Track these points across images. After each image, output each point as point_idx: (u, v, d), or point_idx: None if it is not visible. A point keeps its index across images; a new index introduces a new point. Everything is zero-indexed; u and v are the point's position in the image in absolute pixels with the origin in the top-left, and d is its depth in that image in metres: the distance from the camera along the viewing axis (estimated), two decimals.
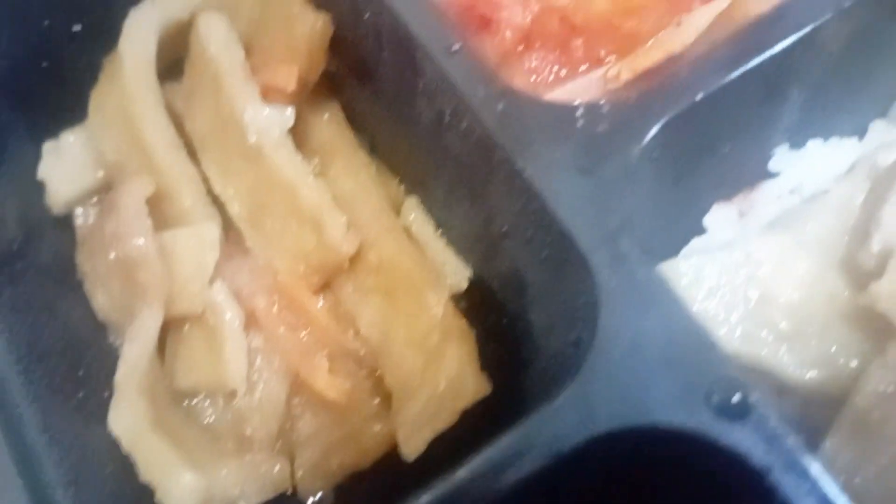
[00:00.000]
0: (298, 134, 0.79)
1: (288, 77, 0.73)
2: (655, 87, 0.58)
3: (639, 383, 0.48)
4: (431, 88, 0.61)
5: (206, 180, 0.79)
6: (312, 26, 0.73)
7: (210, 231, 0.75)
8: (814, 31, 0.58)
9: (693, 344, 0.49)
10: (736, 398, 0.47)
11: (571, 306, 0.58)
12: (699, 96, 0.56)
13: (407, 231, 0.75)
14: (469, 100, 0.58)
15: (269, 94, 0.76)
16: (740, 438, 0.46)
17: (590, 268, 0.55)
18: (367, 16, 0.66)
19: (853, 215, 0.59)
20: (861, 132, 0.73)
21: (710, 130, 0.59)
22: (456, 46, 0.60)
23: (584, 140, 0.55)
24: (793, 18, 0.58)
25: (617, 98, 0.57)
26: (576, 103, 0.58)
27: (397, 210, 0.76)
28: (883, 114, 0.72)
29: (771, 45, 0.57)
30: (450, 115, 0.60)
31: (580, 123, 0.56)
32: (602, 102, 0.57)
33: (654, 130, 0.55)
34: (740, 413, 0.46)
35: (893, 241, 0.54)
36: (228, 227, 0.78)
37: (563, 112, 0.57)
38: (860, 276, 0.57)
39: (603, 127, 0.55)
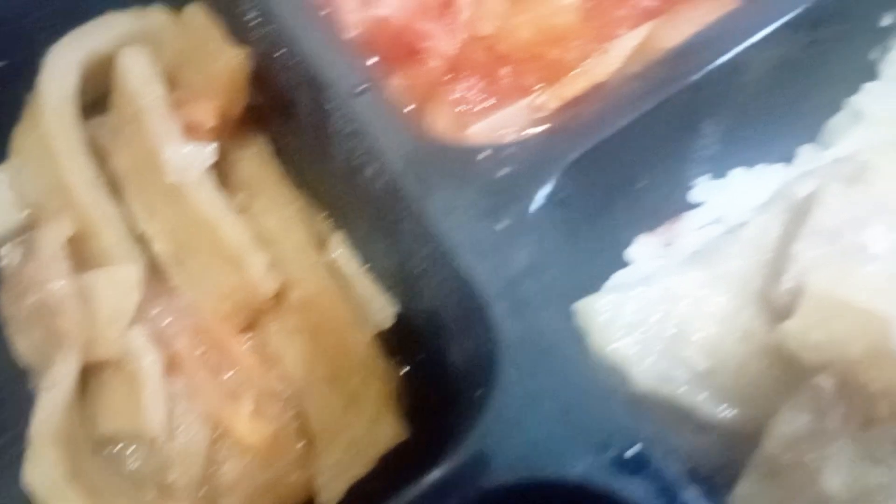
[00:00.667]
0: (223, 169, 0.78)
1: (207, 114, 0.71)
2: (561, 127, 0.56)
3: (536, 435, 0.47)
4: (341, 129, 0.60)
5: (131, 217, 0.78)
6: (230, 62, 0.72)
7: (130, 273, 0.73)
8: (731, 61, 0.57)
9: (592, 393, 0.47)
10: (633, 450, 0.45)
11: (475, 353, 0.57)
12: (604, 135, 0.54)
13: (332, 267, 0.73)
14: (376, 142, 0.57)
15: (190, 131, 0.75)
16: (637, 491, 0.44)
17: (489, 317, 0.54)
18: (280, 53, 0.65)
19: (770, 249, 0.58)
20: (789, 157, 0.72)
21: (622, 166, 0.58)
22: (363, 87, 0.59)
23: (487, 185, 0.54)
24: (708, 50, 0.57)
25: (523, 140, 0.55)
26: (481, 147, 0.57)
27: (323, 245, 0.75)
28: (811, 139, 0.71)
29: (682, 78, 0.56)
30: (360, 156, 0.59)
31: (484, 167, 0.54)
32: (508, 145, 0.56)
33: (558, 173, 0.53)
34: (637, 466, 0.45)
35: (804, 278, 0.53)
36: (156, 265, 0.77)
37: (468, 156, 0.56)
38: (775, 312, 0.55)
39: (506, 171, 0.54)
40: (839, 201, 0.55)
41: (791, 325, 0.51)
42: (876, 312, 0.49)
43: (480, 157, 0.55)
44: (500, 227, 0.53)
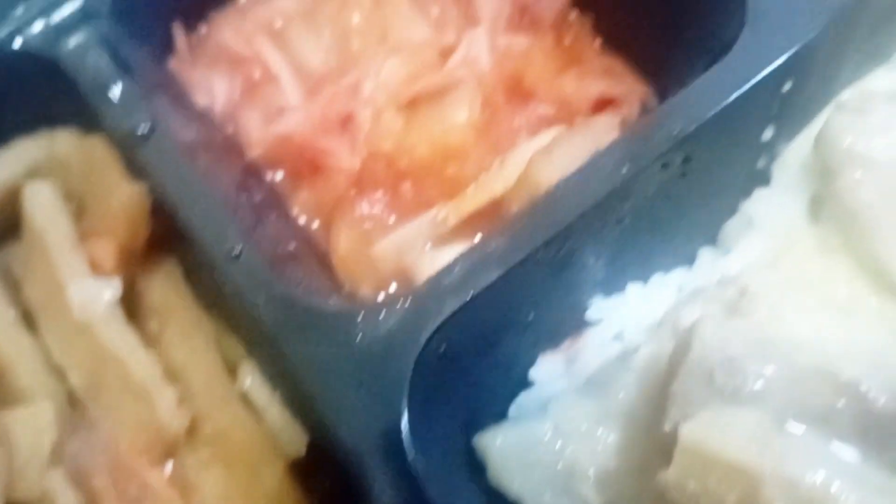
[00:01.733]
0: (133, 297, 0.78)
1: (105, 252, 0.72)
2: (434, 285, 0.56)
3: None
4: (219, 288, 0.60)
5: (46, 348, 0.78)
6: (128, 198, 0.71)
7: (45, 412, 0.73)
8: (607, 197, 0.57)
9: None
10: None
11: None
12: (477, 290, 0.55)
13: (244, 397, 0.74)
14: (251, 304, 0.57)
15: (94, 266, 0.75)
16: None
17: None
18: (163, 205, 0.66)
19: (657, 383, 0.58)
20: (691, 260, 0.73)
21: (507, 308, 0.58)
22: (237, 250, 0.59)
23: (361, 346, 0.54)
24: (581, 192, 0.57)
25: (398, 300, 0.55)
26: (355, 310, 0.57)
27: (234, 374, 0.75)
28: (711, 241, 0.72)
29: (556, 224, 0.56)
30: (239, 310, 0.59)
31: (357, 329, 0.55)
32: (383, 305, 0.56)
33: (434, 329, 0.54)
34: None
35: (681, 423, 0.53)
36: (73, 397, 0.77)
37: (341, 319, 0.56)
38: (663, 452, 0.56)
39: (384, 330, 0.54)
40: (716, 337, 0.55)
41: (669, 474, 0.52)
42: (746, 466, 0.50)
43: (357, 320, 0.55)
44: (372, 386, 0.53)
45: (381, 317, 0.55)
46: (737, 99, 0.58)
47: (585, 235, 0.58)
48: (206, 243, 0.61)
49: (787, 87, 0.61)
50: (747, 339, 0.56)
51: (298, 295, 0.57)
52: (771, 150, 0.66)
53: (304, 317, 0.56)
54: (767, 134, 0.64)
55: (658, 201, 0.61)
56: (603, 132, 0.68)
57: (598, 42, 0.79)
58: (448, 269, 0.56)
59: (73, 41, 0.68)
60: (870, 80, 0.68)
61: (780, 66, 0.59)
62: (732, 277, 0.61)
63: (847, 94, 0.65)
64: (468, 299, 0.55)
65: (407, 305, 0.55)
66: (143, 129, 0.64)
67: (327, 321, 0.56)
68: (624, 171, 0.57)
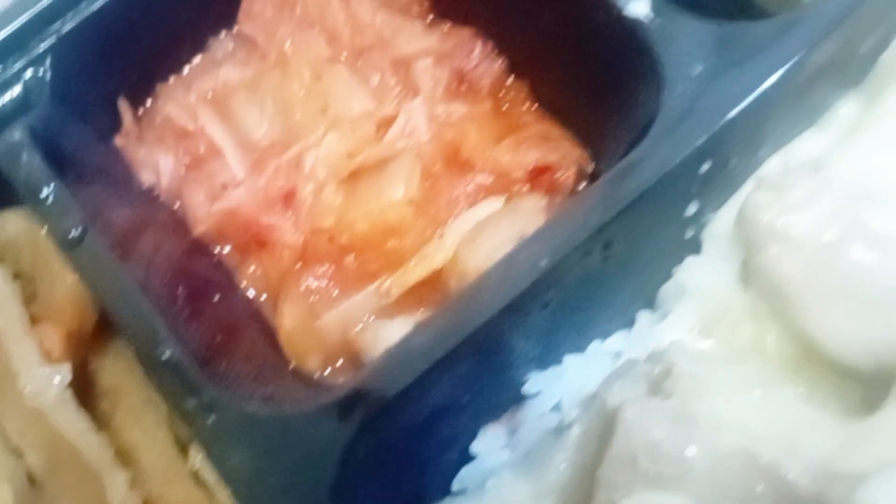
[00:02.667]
0: (86, 377, 0.79)
1: (54, 341, 0.73)
2: (353, 390, 0.57)
3: None
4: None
5: (3, 430, 0.79)
6: (73, 287, 0.73)
7: (3, 494, 0.74)
8: (532, 286, 0.58)
9: None
10: None
11: None
12: (406, 383, 0.56)
13: (195, 475, 0.75)
14: (180, 408, 0.59)
15: (44, 353, 0.76)
16: None
17: None
18: None
19: (586, 464, 0.59)
20: (630, 324, 0.74)
21: (436, 399, 0.59)
22: (167, 354, 0.60)
23: (289, 450, 0.55)
24: (505, 284, 0.58)
25: (309, 409, 0.56)
26: (284, 412, 0.58)
27: (186, 450, 0.76)
28: (649, 305, 0.73)
29: (481, 315, 0.57)
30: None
31: (286, 432, 0.55)
32: (313, 403, 0.57)
33: (355, 431, 0.55)
34: None
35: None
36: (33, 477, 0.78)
37: (269, 424, 0.57)
38: None
39: (309, 432, 0.55)
40: (640, 420, 0.57)
41: None
42: None
43: (287, 421, 0.56)
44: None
45: (310, 417, 0.56)
46: (652, 187, 0.59)
47: (511, 324, 0.59)
48: (136, 347, 0.62)
49: (704, 168, 0.62)
50: (670, 420, 0.57)
51: (227, 399, 0.58)
52: (697, 221, 0.67)
53: (231, 422, 0.57)
54: (691, 210, 0.65)
55: (584, 284, 0.62)
56: (530, 215, 0.69)
57: (535, 107, 0.80)
58: (377, 365, 0.57)
59: (8, 138, 0.69)
60: (797, 145, 0.69)
61: (694, 151, 0.60)
62: (660, 353, 0.62)
63: (769, 167, 0.66)
64: (398, 392, 0.56)
65: (337, 402, 0.56)
66: (74, 233, 0.65)
67: (255, 426, 0.57)
68: (543, 264, 0.58)
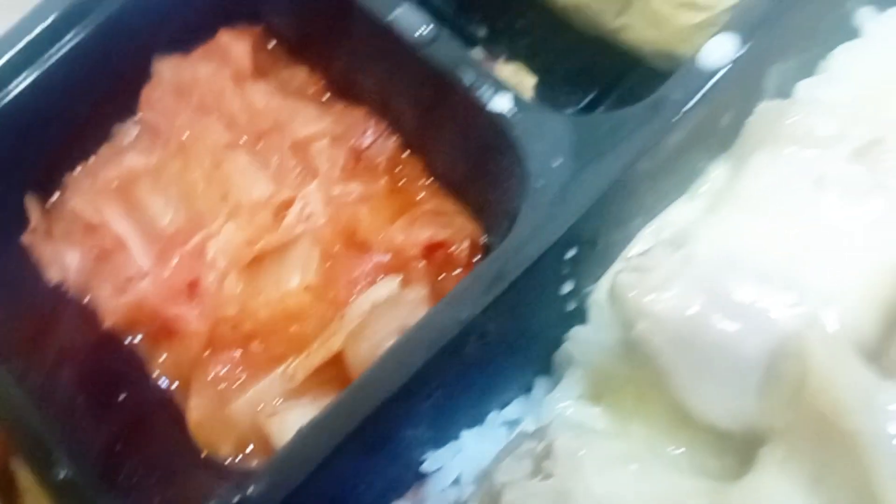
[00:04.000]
0: (7, 477, 0.80)
1: None
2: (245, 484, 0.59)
3: None
4: None
5: None
6: None
7: None
8: (407, 383, 0.60)
9: None
10: None
11: None
12: (298, 480, 0.58)
13: None
14: None
15: None
16: None
17: None
18: None
19: None
20: (528, 389, 0.76)
21: (334, 488, 0.61)
22: (62, 475, 0.61)
23: None
24: (379, 382, 0.61)
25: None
26: None
27: None
28: (546, 370, 0.76)
29: (364, 411, 0.59)
30: None
31: None
32: None
33: None
34: None
35: None
36: None
37: None
38: None
39: None
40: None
41: None
42: None
43: None
44: None
45: None
46: (517, 279, 0.62)
47: (395, 416, 0.62)
48: (31, 468, 0.63)
49: (571, 254, 0.65)
50: (549, 501, 0.59)
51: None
52: (577, 295, 0.70)
53: None
54: (566, 288, 0.68)
55: (468, 369, 0.64)
56: (412, 306, 0.72)
57: (430, 181, 0.83)
58: (261, 470, 0.59)
59: None
60: (669, 213, 0.72)
61: (557, 242, 0.63)
62: (545, 428, 0.65)
63: (641, 238, 0.70)
64: (297, 485, 0.58)
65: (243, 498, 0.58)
66: None
67: None
68: (418, 360, 0.60)
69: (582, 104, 0.92)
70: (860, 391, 0.56)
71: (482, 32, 0.96)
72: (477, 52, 0.97)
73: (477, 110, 0.68)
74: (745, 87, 0.68)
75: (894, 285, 0.63)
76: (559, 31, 0.93)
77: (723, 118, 0.69)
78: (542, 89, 0.92)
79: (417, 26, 0.70)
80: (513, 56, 0.95)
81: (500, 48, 0.95)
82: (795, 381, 0.60)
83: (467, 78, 0.69)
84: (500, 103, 0.68)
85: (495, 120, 0.68)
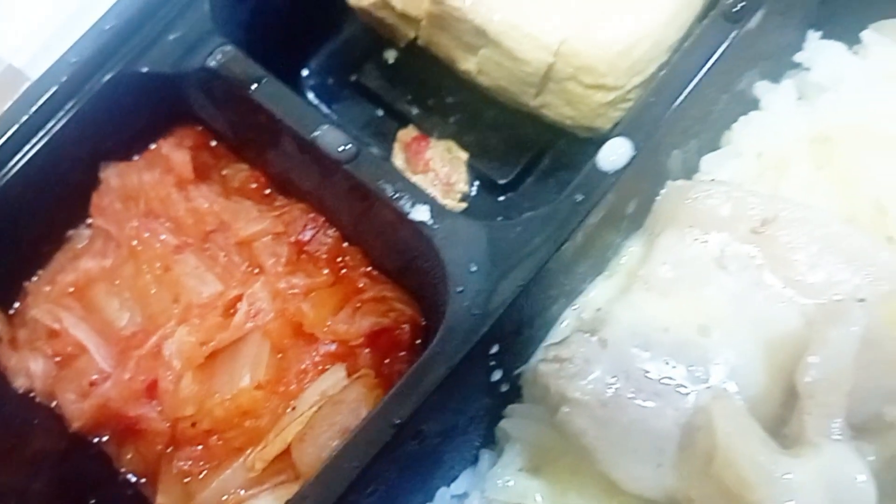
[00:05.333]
0: None
1: None
2: None
3: None
4: None
5: None
6: None
7: None
8: (349, 487, 0.65)
9: None
10: None
11: None
12: None
13: None
14: None
15: None
16: None
17: None
18: None
19: None
20: (475, 461, 0.81)
21: None
22: None
23: None
24: (323, 486, 0.65)
25: None
26: None
27: None
28: (490, 443, 0.81)
29: None
30: None
31: None
32: None
33: None
34: None
35: None
36: None
37: None
38: None
39: None
40: None
41: None
42: None
43: None
44: None
45: None
46: (444, 380, 0.67)
47: None
48: None
49: (495, 349, 0.70)
50: None
51: None
52: (508, 378, 0.75)
53: None
54: (496, 376, 0.73)
55: (409, 462, 0.69)
56: (354, 405, 0.76)
57: (370, 270, 0.87)
58: None
59: None
60: (589, 293, 0.78)
61: (480, 340, 0.68)
62: None
63: (559, 327, 0.75)
64: None
65: None
66: None
67: None
68: (357, 464, 0.65)
69: (513, 175, 0.98)
70: (761, 465, 0.62)
71: (415, 111, 1.02)
72: (410, 130, 1.03)
73: (400, 218, 0.73)
74: (645, 177, 0.74)
75: (791, 354, 0.69)
76: (486, 108, 0.99)
77: (628, 206, 0.74)
78: (475, 163, 0.99)
79: (339, 144, 0.76)
80: (444, 133, 1.01)
81: (431, 126, 1.01)
82: (706, 453, 0.66)
83: (389, 190, 0.74)
84: (420, 213, 0.73)
85: (417, 227, 0.72)
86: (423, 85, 1.03)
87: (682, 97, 0.72)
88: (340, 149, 0.75)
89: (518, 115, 0.98)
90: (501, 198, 0.97)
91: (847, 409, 0.63)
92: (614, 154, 0.71)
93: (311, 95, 1.05)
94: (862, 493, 0.62)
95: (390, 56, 1.05)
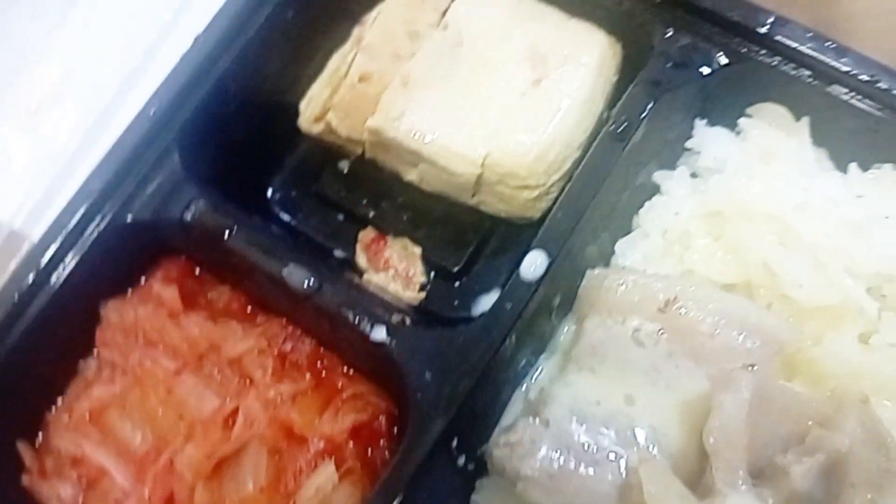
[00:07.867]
0: None
1: None
2: None
3: None
4: None
5: None
6: None
7: None
8: None
9: None
10: None
11: None
12: None
13: None
14: None
15: None
16: None
17: None
18: None
19: None
20: None
21: None
22: None
23: None
24: None
25: None
26: None
27: None
28: None
29: None
30: None
31: None
32: None
33: None
34: None
35: None
36: None
37: None
38: None
39: None
40: None
41: None
42: None
43: None
44: None
45: None
46: (412, 479, 0.79)
47: None
48: None
49: (455, 442, 0.82)
50: None
51: None
52: (473, 459, 0.87)
53: None
54: (461, 462, 0.86)
55: None
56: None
57: (346, 370, 1.00)
58: None
59: None
60: (534, 375, 0.90)
61: (440, 438, 0.80)
62: None
63: (510, 409, 0.87)
64: None
65: None
66: None
67: None
68: None
69: (463, 261, 1.11)
70: None
71: (371, 213, 1.14)
72: (369, 231, 1.15)
73: (362, 338, 0.86)
74: (565, 276, 0.87)
75: (703, 414, 0.81)
76: (433, 204, 1.12)
77: (554, 301, 0.87)
78: (429, 255, 1.11)
79: (303, 279, 0.88)
80: (399, 231, 1.14)
81: (388, 225, 1.14)
82: None
83: (350, 316, 0.87)
84: (378, 333, 0.85)
85: (377, 347, 0.85)
86: (376, 189, 1.15)
87: (586, 211, 0.85)
88: (305, 284, 0.88)
89: (462, 209, 1.11)
90: (457, 283, 1.10)
91: (747, 461, 0.76)
92: (533, 265, 0.84)
93: (277, 209, 1.17)
94: None
95: (344, 166, 1.17)
